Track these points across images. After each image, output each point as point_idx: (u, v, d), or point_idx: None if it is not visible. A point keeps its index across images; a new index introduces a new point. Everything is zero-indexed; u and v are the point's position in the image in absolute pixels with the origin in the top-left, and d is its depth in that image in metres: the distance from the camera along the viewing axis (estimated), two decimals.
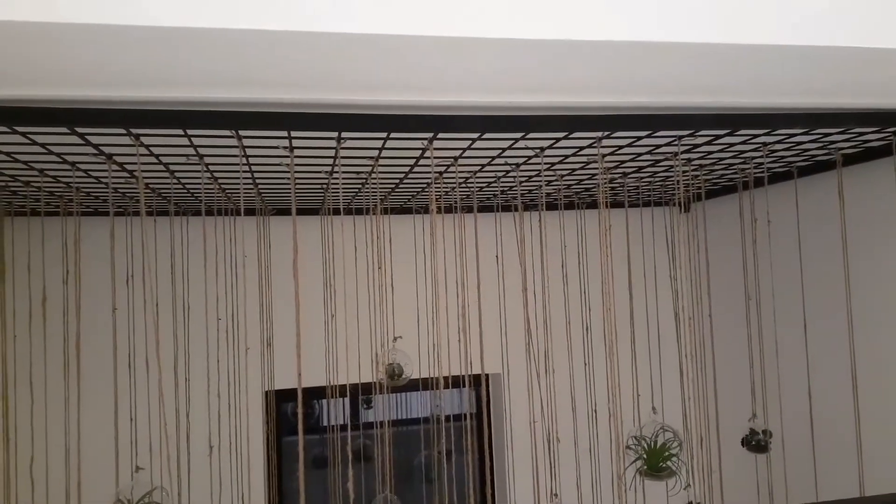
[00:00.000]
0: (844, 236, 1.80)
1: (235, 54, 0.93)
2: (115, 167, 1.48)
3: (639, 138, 1.48)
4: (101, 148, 1.34)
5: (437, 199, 2.19)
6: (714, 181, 2.27)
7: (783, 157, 1.83)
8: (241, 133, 1.28)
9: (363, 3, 0.86)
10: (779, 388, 2.00)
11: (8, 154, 1.38)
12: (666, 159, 1.75)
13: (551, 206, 2.46)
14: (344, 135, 1.30)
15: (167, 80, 1.04)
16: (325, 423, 3.25)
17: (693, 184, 2.23)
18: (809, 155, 1.83)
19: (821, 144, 1.68)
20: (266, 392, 2.43)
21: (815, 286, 2.04)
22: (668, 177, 2.03)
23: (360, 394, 2.23)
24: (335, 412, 2.36)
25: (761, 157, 1.77)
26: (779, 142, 1.60)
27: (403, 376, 2.09)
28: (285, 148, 1.40)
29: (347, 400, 3.49)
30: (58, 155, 1.39)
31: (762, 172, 1.93)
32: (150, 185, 1.80)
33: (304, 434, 1.61)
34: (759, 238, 1.98)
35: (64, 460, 1.76)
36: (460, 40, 0.92)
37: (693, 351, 2.36)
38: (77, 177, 1.60)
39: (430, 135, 1.33)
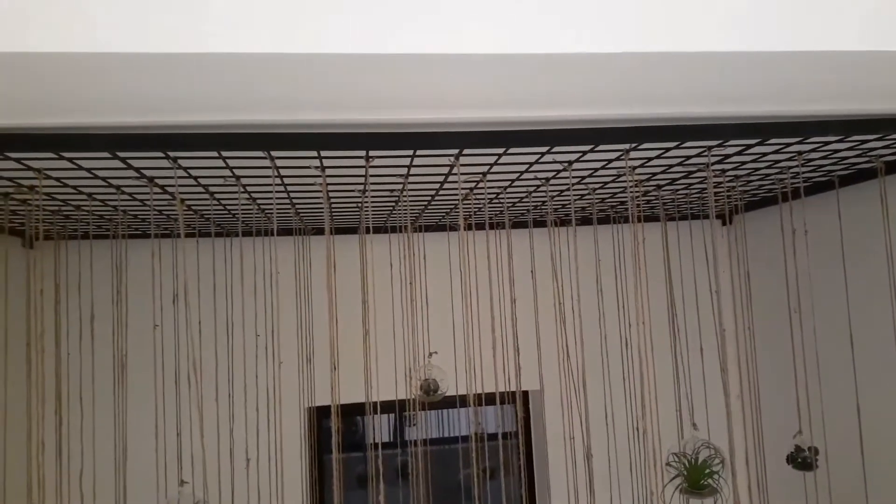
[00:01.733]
0: (889, 246, 1.74)
1: (275, 79, 0.97)
2: (156, 189, 1.54)
3: (667, 150, 1.48)
4: (142, 171, 1.41)
5: (468, 215, 2.21)
6: (753, 192, 2.23)
7: (821, 165, 1.79)
8: (274, 154, 1.32)
9: (386, 25, 0.89)
10: (821, 404, 1.94)
11: (58, 179, 1.46)
12: (699, 171, 1.73)
13: (585, 221, 2.45)
14: (372, 153, 1.34)
15: (200, 105, 1.09)
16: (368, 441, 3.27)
17: (731, 195, 2.20)
18: (849, 163, 1.79)
19: (859, 152, 1.64)
20: (309, 408, 2.47)
21: (861, 298, 1.97)
22: (703, 189, 2.01)
23: (398, 410, 2.25)
24: (377, 429, 2.38)
25: (797, 166, 1.74)
26: (813, 150, 1.57)
27: (439, 392, 2.09)
28: (317, 168, 1.44)
29: (390, 417, 3.51)
30: (103, 179, 1.47)
31: (801, 182, 1.89)
32: (192, 207, 1.87)
33: (339, 449, 1.63)
34: (800, 249, 1.93)
35: (113, 473, 1.83)
36: (483, 57, 0.94)
37: (736, 366, 2.31)
38: (122, 200, 1.68)
39: (456, 151, 1.35)
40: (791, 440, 1.88)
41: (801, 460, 1.84)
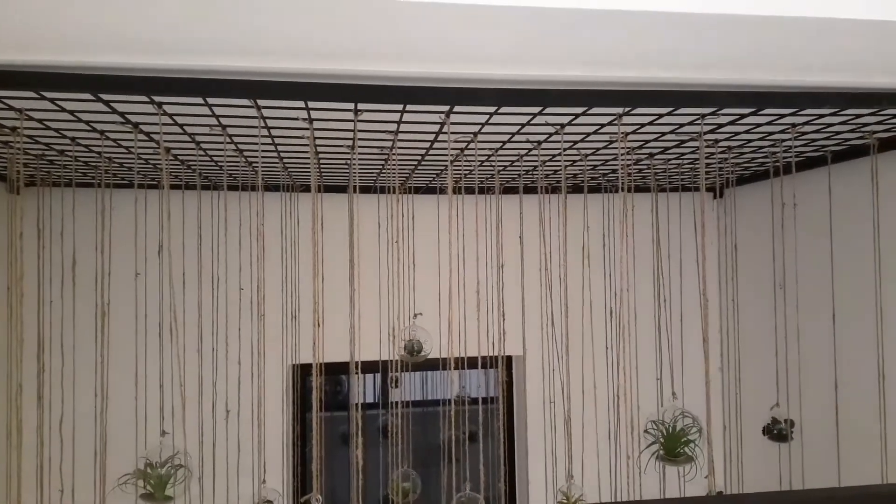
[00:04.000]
0: (877, 224, 1.75)
1: (253, 22, 0.95)
2: (141, 136, 1.51)
3: (660, 116, 1.46)
4: (126, 116, 1.38)
5: (458, 178, 2.19)
6: (745, 166, 2.22)
7: (814, 140, 1.78)
8: (260, 103, 1.30)
9: None
10: (799, 377, 1.96)
11: (40, 121, 1.43)
12: (691, 140, 1.72)
13: (577, 190, 2.44)
14: (360, 106, 1.31)
15: (188, 48, 1.06)
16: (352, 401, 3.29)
17: (723, 168, 2.19)
18: (842, 138, 1.78)
19: (853, 127, 1.63)
20: (293, 365, 2.48)
21: (845, 276, 1.98)
22: (695, 160, 2.00)
23: (382, 371, 2.26)
24: (362, 389, 2.39)
25: (790, 139, 1.73)
26: (807, 123, 1.56)
27: (423, 353, 2.10)
28: (304, 119, 1.41)
29: (375, 378, 3.53)
30: (87, 123, 1.44)
31: (794, 157, 1.88)
32: (178, 157, 1.84)
33: (322, 407, 1.64)
34: (788, 224, 1.93)
35: (93, 421, 1.83)
36: (477, 8, 0.92)
37: (718, 338, 2.33)
38: (106, 146, 1.65)
39: (446, 108, 1.33)
40: (768, 412, 1.90)
41: (777, 432, 1.86)
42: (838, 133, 1.70)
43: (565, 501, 1.85)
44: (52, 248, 1.94)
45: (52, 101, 1.26)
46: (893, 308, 1.79)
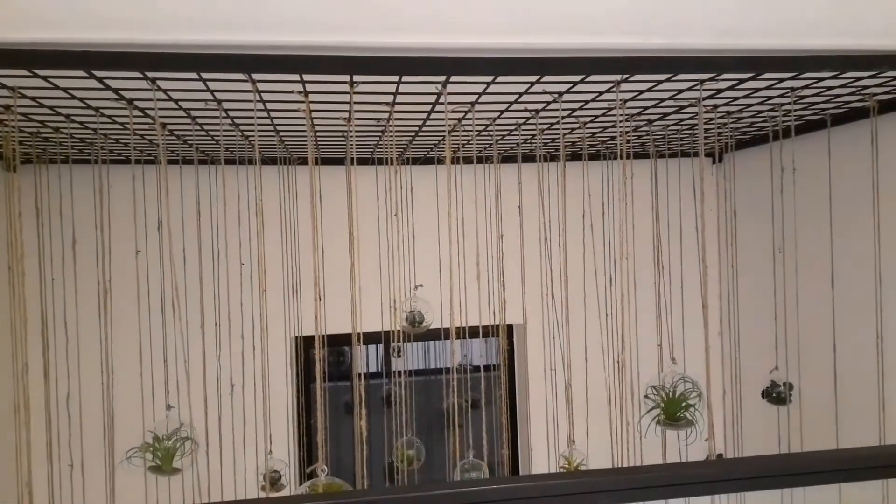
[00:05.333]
0: (876, 187, 1.74)
1: None
2: (136, 112, 1.50)
3: (659, 82, 1.45)
4: (121, 93, 1.37)
5: (456, 148, 2.18)
6: (744, 130, 2.21)
7: (814, 103, 1.77)
8: (255, 77, 1.29)
9: None
10: (798, 341, 1.97)
11: (33, 99, 1.42)
12: (690, 105, 1.70)
13: (576, 157, 2.43)
14: (356, 78, 1.30)
15: (181, 23, 1.05)
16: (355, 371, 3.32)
17: (721, 133, 2.18)
18: (842, 101, 1.76)
19: (852, 90, 1.61)
20: (295, 338, 2.50)
21: (844, 240, 1.98)
22: (694, 125, 1.99)
23: (384, 341, 2.28)
24: (364, 360, 2.41)
25: (790, 103, 1.72)
26: (807, 87, 1.55)
27: (424, 324, 2.11)
28: (300, 93, 1.40)
29: (378, 348, 3.56)
30: (80, 100, 1.43)
31: (794, 120, 1.87)
32: (174, 132, 1.83)
33: (325, 378, 1.66)
34: (787, 188, 1.93)
35: (99, 397, 1.85)
36: None
37: (717, 303, 2.34)
38: (101, 123, 1.64)
39: (443, 78, 1.32)
40: (767, 376, 1.92)
41: (776, 395, 1.89)
42: (838, 96, 1.69)
43: (567, 466, 1.88)
44: (52, 226, 1.94)
45: (45, 78, 1.25)
46: (891, 272, 1.80)
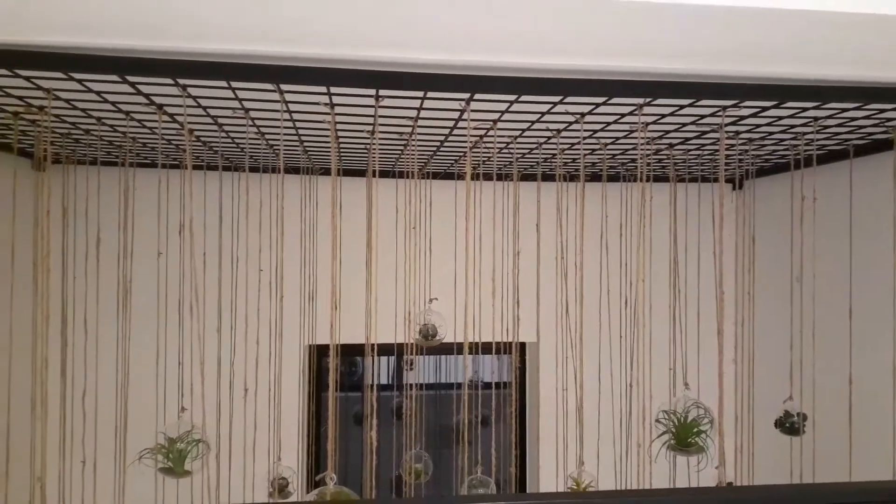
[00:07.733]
0: None
1: (281, 10, 0.96)
2: (165, 118, 1.54)
3: (681, 107, 1.45)
4: (152, 98, 1.40)
5: (477, 164, 2.19)
6: (766, 158, 2.20)
7: (836, 133, 1.77)
8: (283, 88, 1.31)
9: None
10: (813, 372, 1.95)
11: (67, 101, 1.46)
12: (712, 131, 1.71)
13: (595, 178, 2.44)
14: (382, 93, 1.32)
15: (212, 33, 1.08)
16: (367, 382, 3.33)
17: (743, 159, 2.17)
18: (865, 133, 1.76)
19: (877, 122, 1.61)
20: (309, 346, 2.51)
21: (863, 271, 1.97)
22: (715, 150, 1.99)
23: (397, 353, 2.28)
24: (376, 371, 2.41)
25: (812, 132, 1.71)
26: (830, 116, 1.55)
27: (437, 337, 2.12)
28: (326, 104, 1.43)
29: (390, 360, 3.56)
30: (112, 103, 1.46)
31: (816, 150, 1.87)
32: (201, 138, 1.86)
33: (337, 387, 1.67)
34: (807, 217, 1.92)
35: (115, 396, 1.87)
36: None
37: (733, 330, 2.32)
38: (131, 126, 1.68)
39: (467, 96, 1.33)
40: (781, 405, 1.90)
41: (789, 425, 1.87)
42: (861, 127, 1.68)
43: (575, 487, 1.87)
44: (77, 225, 1.98)
45: (79, 81, 1.28)
46: None
